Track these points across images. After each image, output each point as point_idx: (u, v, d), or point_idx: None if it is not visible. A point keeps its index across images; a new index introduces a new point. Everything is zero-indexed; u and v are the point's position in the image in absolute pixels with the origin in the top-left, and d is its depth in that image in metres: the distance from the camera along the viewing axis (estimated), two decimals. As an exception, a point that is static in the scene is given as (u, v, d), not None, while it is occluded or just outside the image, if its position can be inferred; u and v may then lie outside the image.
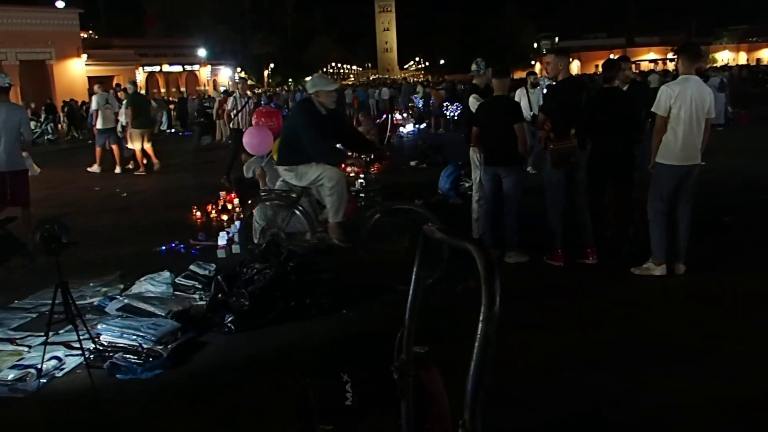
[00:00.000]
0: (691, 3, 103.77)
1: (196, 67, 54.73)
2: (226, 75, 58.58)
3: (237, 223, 8.13)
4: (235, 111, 12.23)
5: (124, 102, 14.94)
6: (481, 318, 1.30)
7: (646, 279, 5.96)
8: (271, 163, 7.57)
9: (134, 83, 16.00)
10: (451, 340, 4.30)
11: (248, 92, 13.81)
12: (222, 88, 38.33)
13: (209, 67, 56.22)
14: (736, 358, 4.38)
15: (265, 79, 72.68)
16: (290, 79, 78.09)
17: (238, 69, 62.43)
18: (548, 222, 6.56)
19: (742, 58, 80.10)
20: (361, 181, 10.81)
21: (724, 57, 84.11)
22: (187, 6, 61.79)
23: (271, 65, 72.73)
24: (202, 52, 54.27)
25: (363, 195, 10.26)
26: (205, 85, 53.25)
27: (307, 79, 8.09)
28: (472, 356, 1.29)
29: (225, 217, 9.04)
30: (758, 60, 71.78)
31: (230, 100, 13.10)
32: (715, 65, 59.38)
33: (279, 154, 6.47)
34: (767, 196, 9.30)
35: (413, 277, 1.84)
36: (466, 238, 1.51)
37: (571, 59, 7.72)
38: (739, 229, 7.44)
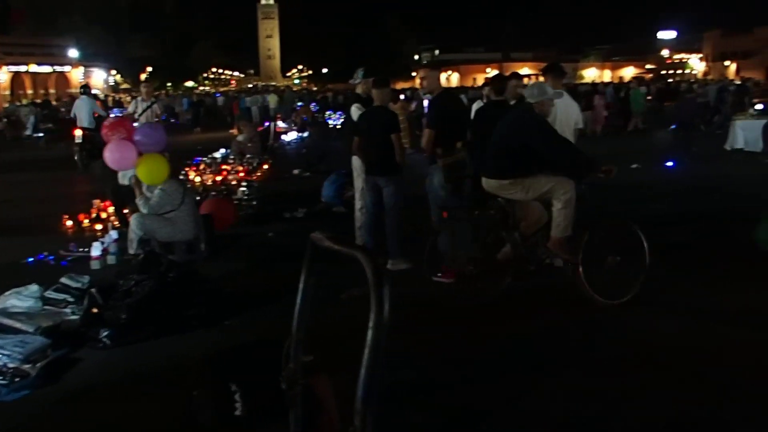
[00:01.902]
0: (561, 22, 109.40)
1: (67, 68, 52.04)
2: (100, 77, 56.10)
3: (112, 232, 7.79)
4: (136, 115, 11.71)
5: None
6: (370, 325, 1.32)
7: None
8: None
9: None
10: (342, 347, 4.33)
11: (154, 95, 13.04)
12: (95, 92, 36.60)
13: (82, 68, 53.61)
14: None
15: (142, 83, 70.02)
16: (169, 84, 75.83)
17: (113, 72, 59.97)
18: (438, 241, 6.57)
19: (607, 76, 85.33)
20: (244, 189, 10.69)
21: (590, 74, 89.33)
22: (58, 2, 58.62)
23: (149, 69, 70.29)
24: (73, 53, 51.71)
25: (245, 203, 10.18)
26: (76, 88, 50.76)
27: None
28: (362, 363, 1.31)
29: (99, 227, 8.66)
30: (621, 78, 76.59)
31: (132, 103, 12.50)
32: (582, 81, 62.91)
33: (495, 167, 5.67)
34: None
35: (301, 285, 1.83)
36: (354, 246, 1.52)
37: (450, 72, 7.95)
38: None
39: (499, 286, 5.62)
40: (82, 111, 15.67)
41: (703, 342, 4.80)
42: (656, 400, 3.98)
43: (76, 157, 15.50)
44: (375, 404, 1.32)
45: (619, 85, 36.12)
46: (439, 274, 6.39)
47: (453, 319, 5.45)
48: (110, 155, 7.22)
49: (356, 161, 7.32)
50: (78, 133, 15.49)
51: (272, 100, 33.99)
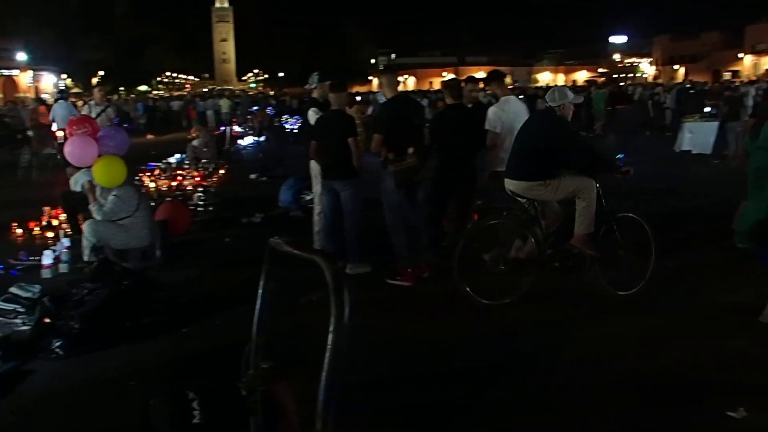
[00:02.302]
0: (515, 27, 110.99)
1: (15, 72, 50.70)
2: (50, 81, 54.83)
3: (64, 240, 7.63)
4: None
5: None
6: (330, 329, 1.32)
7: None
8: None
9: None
10: (301, 352, 4.30)
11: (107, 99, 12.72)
12: (45, 96, 35.78)
13: (31, 72, 52.30)
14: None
15: (95, 87, 68.64)
16: (121, 88, 74.51)
17: (64, 75, 58.65)
18: (393, 244, 6.58)
19: (561, 80, 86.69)
20: (200, 194, 10.57)
21: (545, 78, 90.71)
22: (6, 5, 57.06)
23: (101, 73, 68.91)
24: (22, 56, 50.39)
25: (201, 209, 10.07)
26: (25, 92, 49.45)
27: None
28: (323, 367, 1.31)
29: (50, 234, 8.46)
30: (574, 81, 77.92)
31: (84, 107, 12.20)
32: (537, 85, 63.86)
33: (523, 169, 5.74)
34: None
35: (260, 291, 1.82)
36: (313, 250, 1.52)
37: (407, 75, 8.00)
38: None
39: (526, 284, 5.75)
40: (59, 115, 15.41)
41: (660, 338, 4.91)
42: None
43: (59, 156, 15.22)
44: (336, 408, 1.32)
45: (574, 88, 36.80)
46: (398, 278, 6.43)
47: (413, 320, 5.48)
48: (71, 149, 7.04)
49: (314, 165, 7.30)
50: (60, 134, 15.22)
51: (224, 104, 33.64)
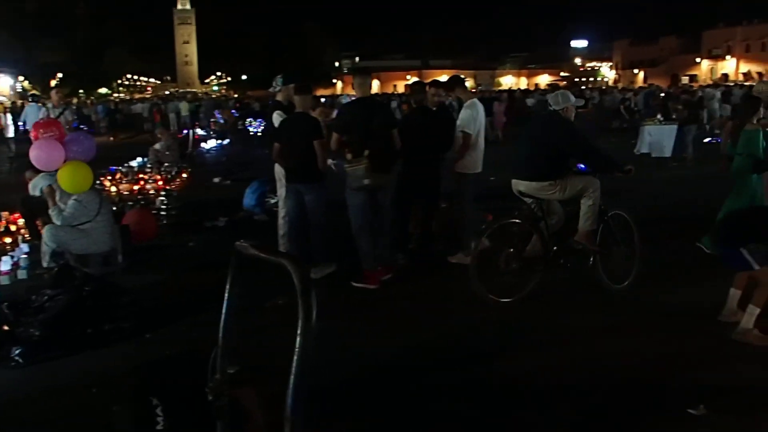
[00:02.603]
0: (478, 31, 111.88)
1: (-30, 74, 49.66)
2: (6, 84, 53.70)
3: (23, 245, 7.47)
4: None
5: None
6: (298, 332, 1.31)
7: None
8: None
9: None
10: (266, 357, 4.27)
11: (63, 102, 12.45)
12: (2, 99, 35.02)
13: (-13, 74, 51.24)
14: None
15: (52, 90, 67.33)
16: (81, 91, 73.23)
17: (20, 78, 57.51)
18: (357, 247, 6.55)
19: (523, 83, 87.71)
20: (162, 198, 10.43)
21: (507, 81, 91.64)
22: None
23: (59, 75, 67.68)
24: (-23, 58, 49.36)
25: (164, 213, 9.94)
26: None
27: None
28: (291, 370, 1.30)
29: (8, 240, 8.27)
30: (536, 85, 78.86)
31: (41, 110, 11.94)
32: (500, 88, 64.48)
33: (534, 171, 5.89)
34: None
35: (226, 295, 1.81)
36: (281, 253, 1.51)
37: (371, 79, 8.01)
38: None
39: (533, 282, 5.91)
40: (30, 118, 15.13)
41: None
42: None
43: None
44: (304, 411, 1.32)
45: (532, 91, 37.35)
46: (363, 280, 6.43)
47: (380, 322, 5.50)
48: (38, 153, 6.89)
49: (278, 169, 7.25)
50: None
51: (183, 107, 33.35)
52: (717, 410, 3.86)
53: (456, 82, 7.72)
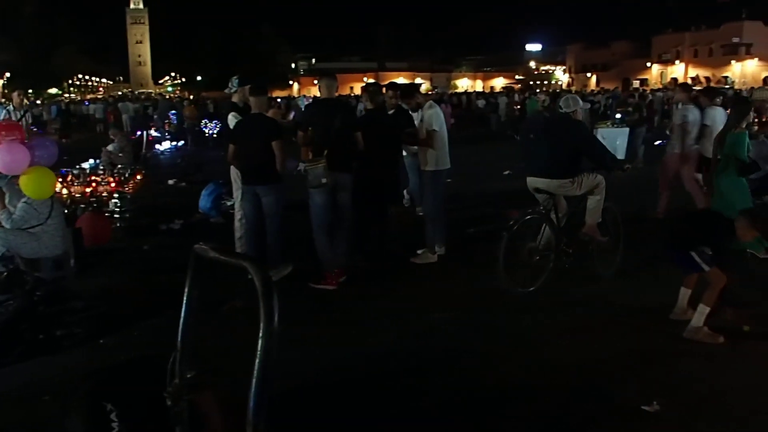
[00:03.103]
0: (434, 33, 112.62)
1: None
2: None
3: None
4: None
5: None
6: (260, 335, 1.30)
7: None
8: (12, 184, 6.81)
9: None
10: (224, 360, 4.23)
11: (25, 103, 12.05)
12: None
13: (-70, 74, 49.61)
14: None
15: (14, 92, 65.50)
16: (30, 91, 71.39)
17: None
18: (316, 247, 6.56)
19: (479, 86, 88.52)
20: (116, 200, 10.23)
21: (463, 84, 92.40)
22: None
23: (7, 75, 65.84)
24: None
25: (118, 216, 9.75)
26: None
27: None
28: (253, 373, 1.29)
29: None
30: (492, 87, 79.67)
31: (2, 112, 11.57)
32: (456, 91, 65.01)
33: (556, 169, 6.30)
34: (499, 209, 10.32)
35: (185, 299, 1.78)
36: (242, 256, 1.50)
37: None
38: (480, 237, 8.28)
39: (546, 271, 6.30)
40: None
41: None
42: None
43: None
44: (266, 414, 1.31)
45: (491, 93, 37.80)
46: (322, 281, 6.43)
47: (340, 325, 5.49)
48: (2, 157, 6.66)
49: (234, 170, 7.18)
50: None
51: (128, 109, 32.94)
52: (669, 406, 3.96)
53: (415, 89, 8.10)
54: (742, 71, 68.37)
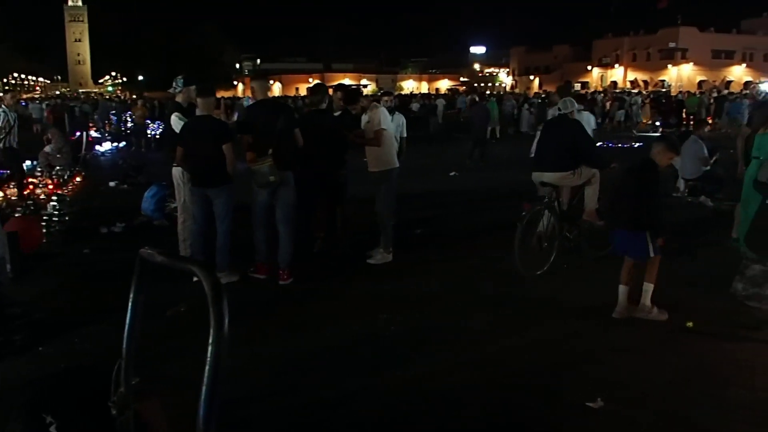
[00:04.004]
0: (380, 35, 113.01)
1: None
2: None
3: None
4: (7, 128, 10.56)
5: None
6: (210, 340, 1.27)
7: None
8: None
9: None
10: (168, 367, 4.14)
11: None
12: None
13: None
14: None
15: (8, 95, 63.03)
16: (-39, 90, 68.86)
17: None
18: (254, 239, 6.75)
19: (424, 87, 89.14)
20: (54, 203, 9.93)
21: (409, 85, 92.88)
22: None
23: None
24: None
25: (56, 219, 9.47)
26: None
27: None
28: (203, 380, 1.26)
29: None
30: (437, 89, 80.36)
31: None
32: (402, 92, 65.34)
33: (558, 163, 7.02)
34: (446, 210, 10.43)
35: (130, 304, 1.73)
36: (189, 260, 1.46)
37: (273, 81, 8.10)
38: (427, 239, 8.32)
39: (551, 256, 6.96)
40: None
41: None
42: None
43: None
44: (218, 422, 1.28)
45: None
46: (252, 269, 6.78)
47: (287, 326, 5.44)
48: None
49: (177, 172, 7.02)
50: None
51: (33, 110, 32.32)
52: (612, 403, 4.04)
53: (359, 94, 8.42)
54: (679, 75, 70.57)
